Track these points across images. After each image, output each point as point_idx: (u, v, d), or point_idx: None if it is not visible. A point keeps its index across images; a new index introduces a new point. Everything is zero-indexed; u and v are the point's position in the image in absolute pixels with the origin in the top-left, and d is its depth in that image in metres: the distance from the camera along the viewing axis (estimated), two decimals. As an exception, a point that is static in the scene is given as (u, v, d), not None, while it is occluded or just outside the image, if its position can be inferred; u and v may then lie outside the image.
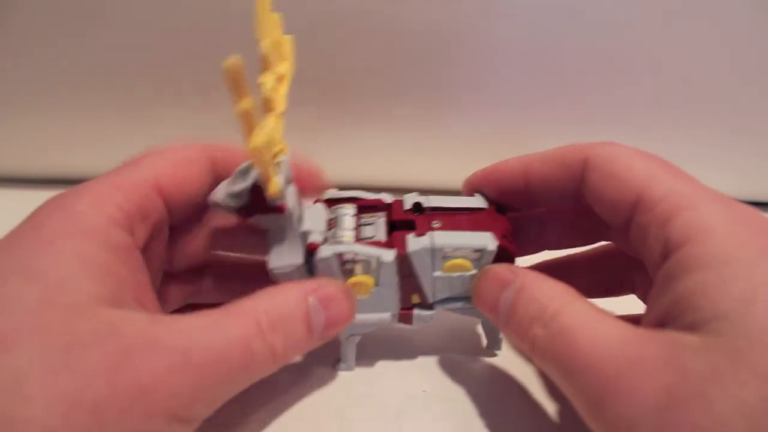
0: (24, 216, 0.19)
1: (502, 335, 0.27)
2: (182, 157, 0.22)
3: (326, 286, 0.21)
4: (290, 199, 0.22)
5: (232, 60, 0.16)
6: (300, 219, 0.23)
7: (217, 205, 0.22)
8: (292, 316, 0.20)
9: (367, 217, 0.24)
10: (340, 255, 0.22)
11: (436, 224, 0.23)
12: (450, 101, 0.34)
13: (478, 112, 0.35)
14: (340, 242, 0.23)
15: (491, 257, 0.23)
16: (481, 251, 0.23)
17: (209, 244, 0.26)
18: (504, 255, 0.23)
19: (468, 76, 0.33)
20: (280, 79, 0.21)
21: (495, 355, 0.27)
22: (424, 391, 0.25)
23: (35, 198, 0.20)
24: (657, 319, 0.18)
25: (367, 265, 0.23)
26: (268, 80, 0.19)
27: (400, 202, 0.25)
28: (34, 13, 0.31)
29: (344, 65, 0.32)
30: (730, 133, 0.35)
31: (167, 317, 0.18)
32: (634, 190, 0.20)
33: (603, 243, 0.27)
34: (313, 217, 0.24)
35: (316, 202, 0.25)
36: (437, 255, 0.23)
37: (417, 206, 0.24)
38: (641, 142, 0.36)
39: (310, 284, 0.21)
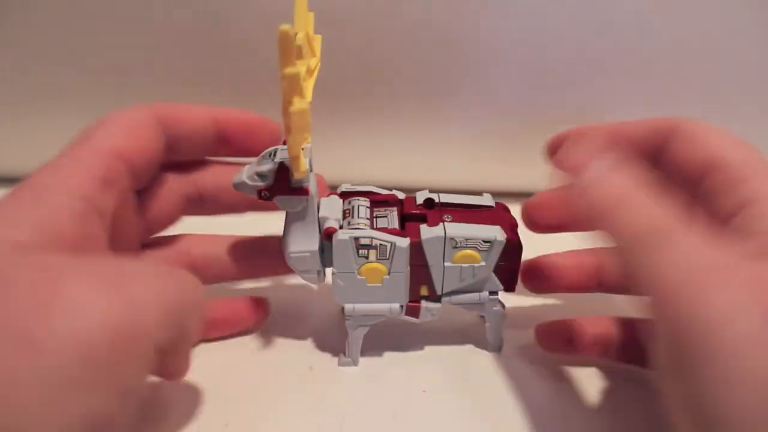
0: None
1: (504, 335, 0.27)
2: (133, 121, 0.23)
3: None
4: (312, 183, 0.23)
5: (286, 27, 0.17)
6: (317, 207, 0.24)
7: (242, 185, 0.23)
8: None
9: (380, 211, 0.25)
10: (356, 239, 0.23)
11: (447, 218, 0.24)
12: (451, 101, 0.35)
13: (479, 112, 0.35)
14: (356, 228, 0.24)
15: (500, 248, 0.24)
16: (490, 242, 0.24)
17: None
18: (512, 248, 0.24)
19: (469, 76, 0.33)
20: (309, 72, 0.22)
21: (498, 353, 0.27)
22: (423, 392, 0.25)
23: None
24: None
25: (382, 252, 0.24)
26: (301, 69, 0.19)
27: (412, 198, 0.26)
28: (34, 13, 0.31)
29: (345, 64, 0.32)
30: (732, 131, 0.35)
31: None
32: (710, 155, 0.21)
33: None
34: (328, 206, 0.24)
35: (330, 195, 0.25)
36: (449, 245, 0.24)
37: (428, 202, 0.25)
38: None
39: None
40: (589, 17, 0.31)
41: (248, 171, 0.23)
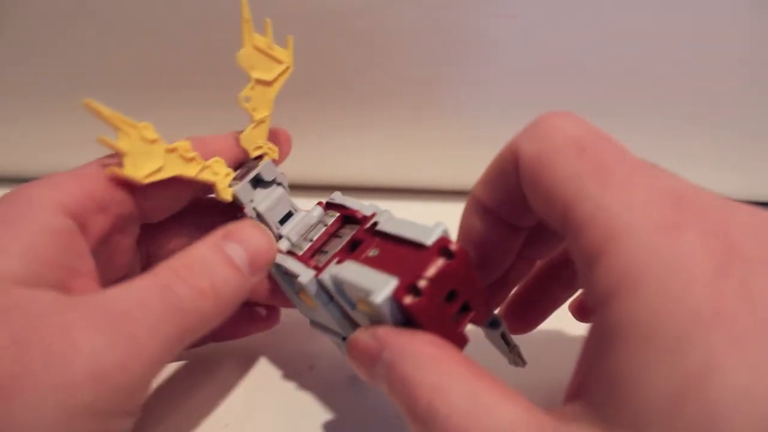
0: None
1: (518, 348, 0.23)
2: None
3: (232, 226, 0.21)
4: (263, 202, 0.23)
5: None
6: (284, 221, 0.24)
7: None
8: (209, 258, 0.20)
9: (345, 230, 0.23)
10: (278, 265, 0.22)
11: (372, 253, 0.20)
12: (445, 101, 0.34)
13: (472, 111, 0.35)
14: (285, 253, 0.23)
15: (385, 310, 0.17)
16: (368, 298, 0.18)
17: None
18: (404, 309, 0.17)
19: (462, 76, 0.33)
20: (265, 83, 0.23)
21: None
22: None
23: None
24: (577, 388, 0.15)
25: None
26: (241, 95, 0.22)
27: (369, 219, 0.22)
28: (34, 13, 0.31)
29: (339, 65, 0.32)
30: (731, 131, 0.35)
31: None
32: (560, 206, 0.16)
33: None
34: (297, 222, 0.24)
35: (320, 204, 0.24)
36: (347, 289, 0.20)
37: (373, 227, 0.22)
38: (642, 141, 0.35)
39: (218, 231, 0.21)
40: (583, 17, 0.31)
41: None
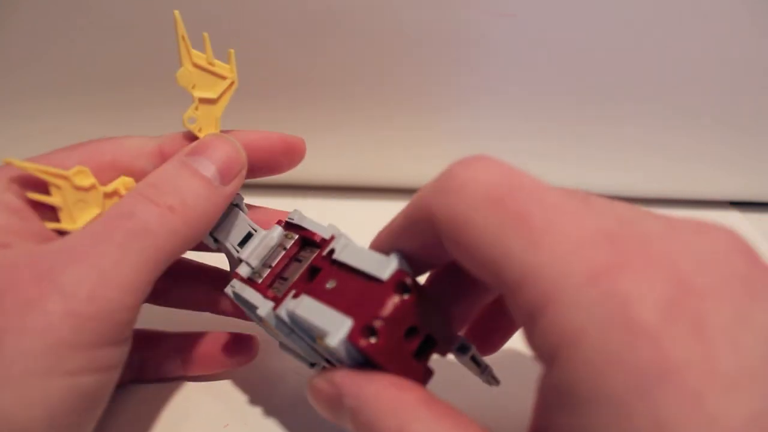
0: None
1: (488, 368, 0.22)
2: (123, 145, 0.22)
3: (196, 142, 0.21)
4: (219, 226, 0.23)
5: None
6: (243, 243, 0.23)
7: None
8: (174, 175, 0.20)
9: (305, 253, 0.22)
10: (236, 295, 0.22)
11: (330, 284, 0.19)
12: (440, 100, 0.34)
13: (468, 110, 0.34)
14: (242, 281, 0.22)
15: (341, 352, 0.17)
16: (324, 340, 0.17)
17: None
18: (361, 352, 0.17)
19: (458, 76, 0.33)
20: (210, 101, 0.22)
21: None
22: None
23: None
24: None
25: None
26: (185, 116, 0.22)
27: (328, 243, 0.21)
28: (33, 14, 0.31)
29: (334, 65, 0.32)
30: (731, 131, 0.34)
31: None
32: (489, 268, 0.15)
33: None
34: (257, 244, 0.23)
35: (279, 223, 0.23)
36: (304, 326, 0.19)
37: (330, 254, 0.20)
38: (641, 140, 0.35)
39: (182, 149, 0.21)
40: (579, 15, 0.30)
41: None
